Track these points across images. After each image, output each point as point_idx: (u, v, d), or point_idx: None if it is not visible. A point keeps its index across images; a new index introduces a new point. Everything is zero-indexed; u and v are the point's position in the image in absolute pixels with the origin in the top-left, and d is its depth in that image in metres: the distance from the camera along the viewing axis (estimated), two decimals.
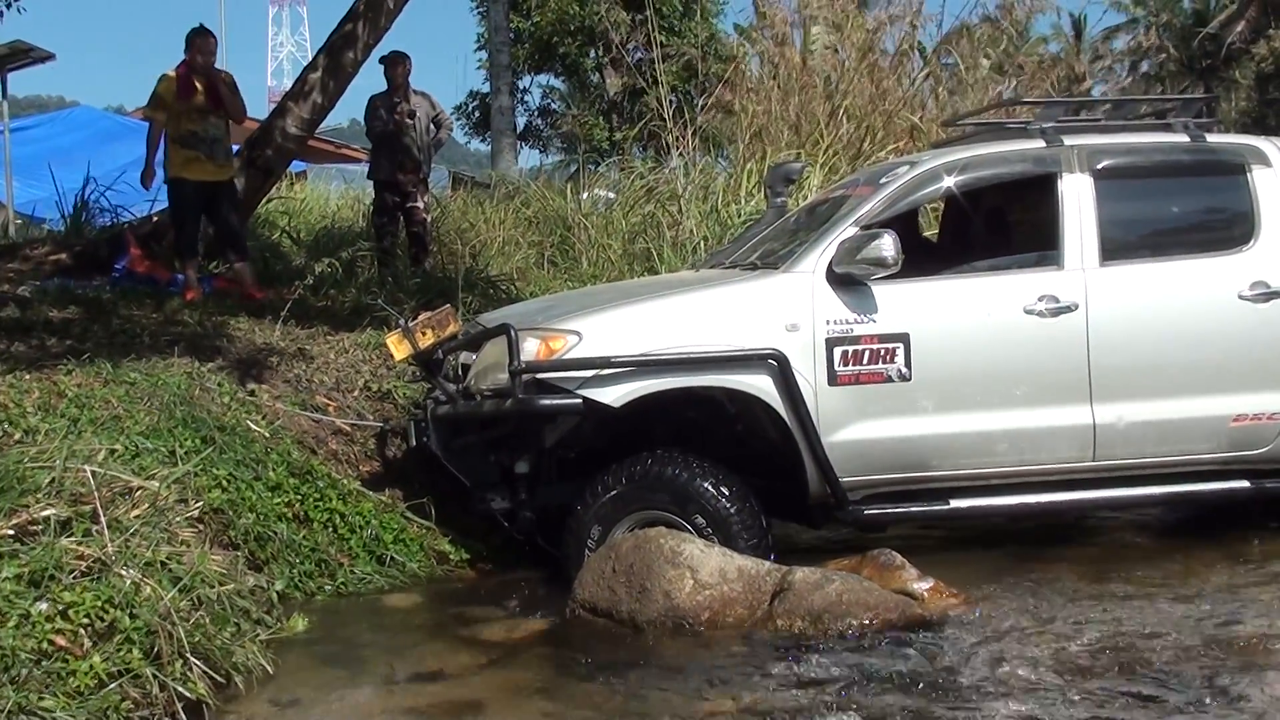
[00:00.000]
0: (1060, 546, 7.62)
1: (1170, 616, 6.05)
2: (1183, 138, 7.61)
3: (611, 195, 16.72)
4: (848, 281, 6.80)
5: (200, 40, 11.09)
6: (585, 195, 16.47)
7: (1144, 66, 44.61)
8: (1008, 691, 5.08)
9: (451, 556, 7.53)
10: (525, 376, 6.61)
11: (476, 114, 30.96)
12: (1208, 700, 4.92)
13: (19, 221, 17.32)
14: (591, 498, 6.68)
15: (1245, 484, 7.26)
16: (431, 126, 12.91)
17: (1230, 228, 7.44)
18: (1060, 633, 5.83)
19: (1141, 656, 5.44)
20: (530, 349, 6.68)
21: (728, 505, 6.61)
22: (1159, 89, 39.60)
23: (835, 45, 17.12)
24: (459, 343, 7.34)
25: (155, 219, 12.91)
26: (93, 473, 5.38)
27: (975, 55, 17.99)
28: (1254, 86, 39.25)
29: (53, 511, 5.11)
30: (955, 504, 7.01)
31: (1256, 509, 7.59)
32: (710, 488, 6.62)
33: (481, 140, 31.08)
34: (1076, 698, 4.98)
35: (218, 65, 11.36)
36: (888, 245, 6.61)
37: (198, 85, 10.86)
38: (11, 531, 5.00)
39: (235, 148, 11.70)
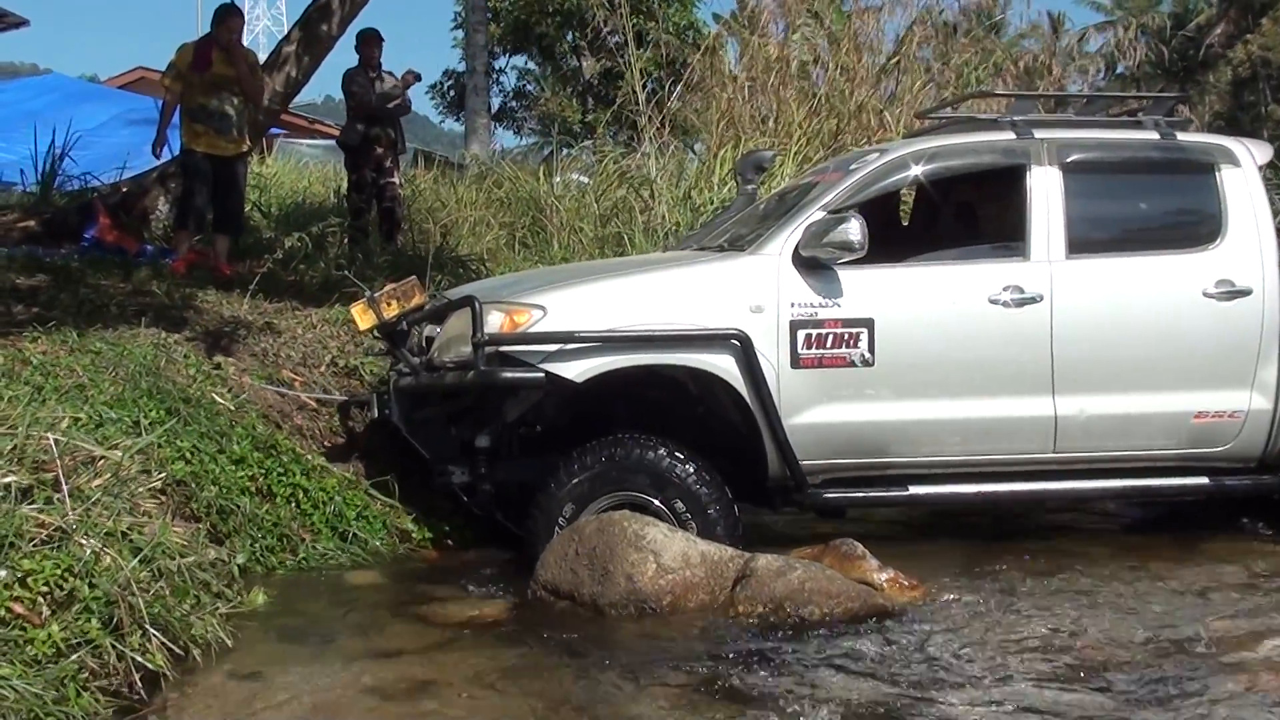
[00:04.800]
0: (1018, 540, 7.66)
1: (1123, 612, 6.11)
2: (1153, 135, 7.65)
3: (585, 179, 16.69)
4: (814, 265, 6.82)
5: (230, 19, 11.15)
6: (558, 178, 16.44)
7: (1120, 68, 44.57)
8: (962, 682, 5.12)
9: (414, 535, 7.53)
10: (488, 349, 6.62)
11: (451, 93, 30.83)
12: (1157, 693, 4.96)
13: None
14: (566, 476, 6.66)
15: (1205, 481, 7.35)
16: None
17: (1197, 226, 7.49)
18: (1016, 626, 5.88)
19: (1094, 651, 5.49)
20: (494, 322, 6.69)
21: (708, 492, 6.65)
22: (1134, 89, 39.63)
23: (812, 37, 17.09)
24: (424, 314, 7.33)
25: (124, 189, 12.87)
26: (55, 440, 5.32)
27: (948, 49, 17.97)
28: (1230, 91, 39.36)
29: (14, 478, 5.06)
30: (915, 490, 7.06)
31: (1211, 509, 7.72)
32: (692, 473, 6.65)
33: (456, 119, 30.98)
34: (1028, 689, 5.03)
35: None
36: (854, 229, 6.64)
37: (215, 60, 10.81)
38: None
39: None
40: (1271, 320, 7.23)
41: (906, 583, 6.32)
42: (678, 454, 6.69)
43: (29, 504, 4.98)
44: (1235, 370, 7.27)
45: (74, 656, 4.54)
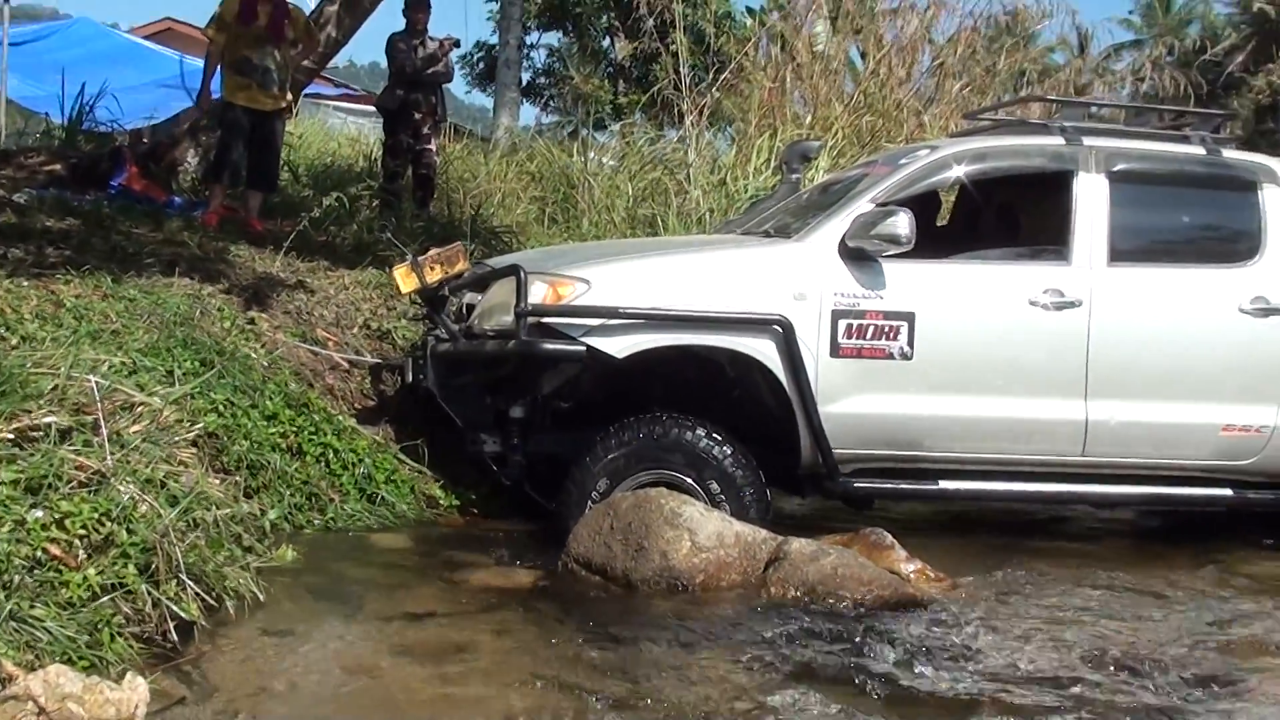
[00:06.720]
0: (1043, 539, 7.77)
1: (1148, 614, 6.11)
2: (1199, 150, 7.68)
3: (614, 163, 16.62)
4: (859, 256, 6.85)
5: None
6: (592, 154, 16.39)
7: (1144, 87, 44.36)
8: (990, 674, 5.07)
9: (441, 501, 7.53)
10: (530, 320, 6.62)
11: (481, 65, 30.62)
12: (1185, 693, 4.95)
13: (16, 119, 17.05)
14: (603, 451, 6.68)
15: (1228, 492, 7.43)
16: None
17: (1237, 242, 7.54)
18: (1042, 622, 5.85)
19: (1119, 650, 5.44)
20: (538, 293, 6.69)
21: (743, 474, 6.69)
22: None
23: (834, 36, 17.12)
24: (465, 281, 7.37)
25: (144, 137, 12.82)
26: (96, 384, 5.29)
27: (986, 54, 17.96)
28: (1251, 117, 39.43)
29: (54, 419, 5.03)
30: (944, 485, 7.12)
31: (1235, 520, 7.83)
32: (729, 455, 6.69)
33: (484, 93, 30.80)
34: (1053, 685, 4.98)
35: None
36: (902, 223, 6.67)
37: (260, 13, 10.71)
38: (11, 436, 4.92)
39: None
40: None
41: (933, 574, 6.36)
42: (715, 435, 6.72)
43: (68, 446, 4.94)
44: (1265, 386, 7.33)
45: (108, 600, 4.51)
